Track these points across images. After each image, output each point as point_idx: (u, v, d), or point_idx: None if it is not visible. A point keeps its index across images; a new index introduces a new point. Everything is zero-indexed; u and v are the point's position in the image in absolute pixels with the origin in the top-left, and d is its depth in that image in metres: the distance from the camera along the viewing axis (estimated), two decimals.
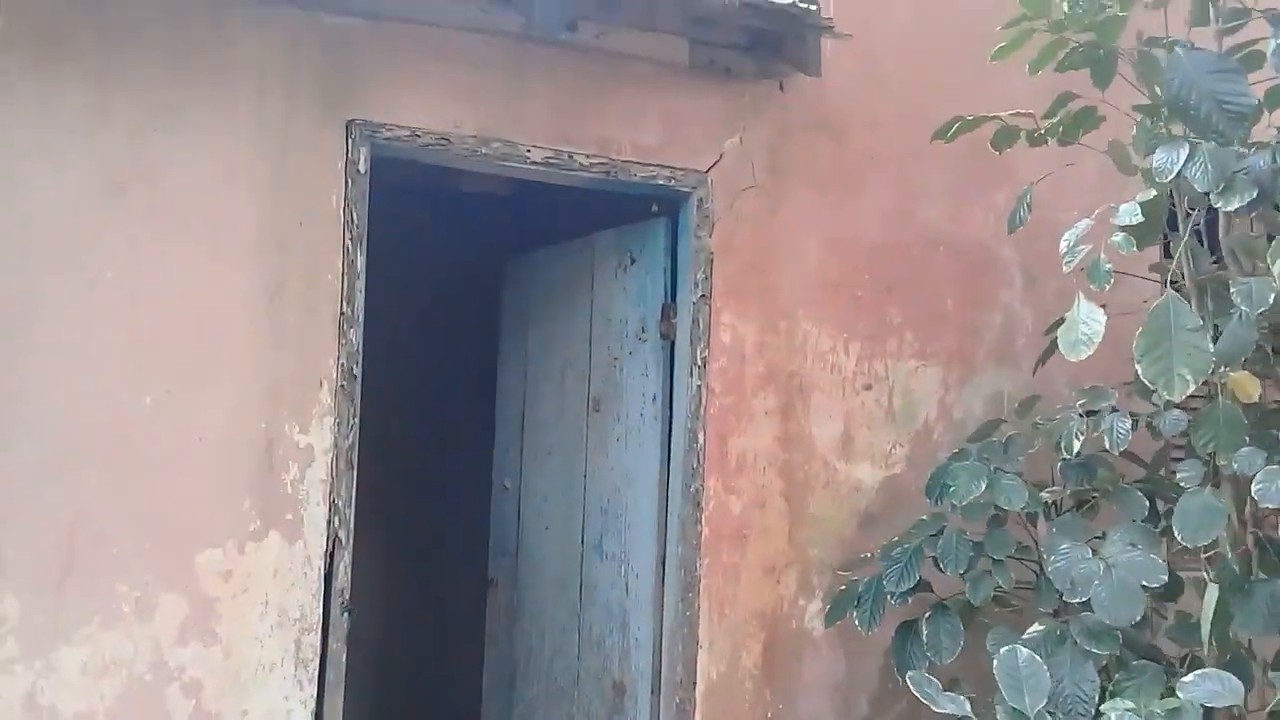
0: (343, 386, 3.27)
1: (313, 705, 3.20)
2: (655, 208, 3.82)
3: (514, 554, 4.47)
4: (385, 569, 5.05)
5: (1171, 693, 2.57)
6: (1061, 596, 2.93)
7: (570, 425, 4.23)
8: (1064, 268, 2.93)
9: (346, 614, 3.25)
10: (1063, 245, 2.93)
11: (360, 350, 3.32)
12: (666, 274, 3.82)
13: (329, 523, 3.24)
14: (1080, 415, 3.24)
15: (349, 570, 3.28)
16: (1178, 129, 2.89)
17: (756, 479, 3.76)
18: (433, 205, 4.99)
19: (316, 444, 3.24)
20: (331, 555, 3.24)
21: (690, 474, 3.70)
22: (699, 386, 3.72)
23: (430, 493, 5.49)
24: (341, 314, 3.27)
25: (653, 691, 3.78)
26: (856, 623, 3.27)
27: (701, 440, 3.71)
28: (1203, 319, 2.77)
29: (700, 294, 3.71)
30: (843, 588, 3.39)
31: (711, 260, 3.72)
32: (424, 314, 5.39)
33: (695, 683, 3.68)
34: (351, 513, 3.29)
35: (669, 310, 3.81)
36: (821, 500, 3.83)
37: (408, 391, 5.27)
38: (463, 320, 5.32)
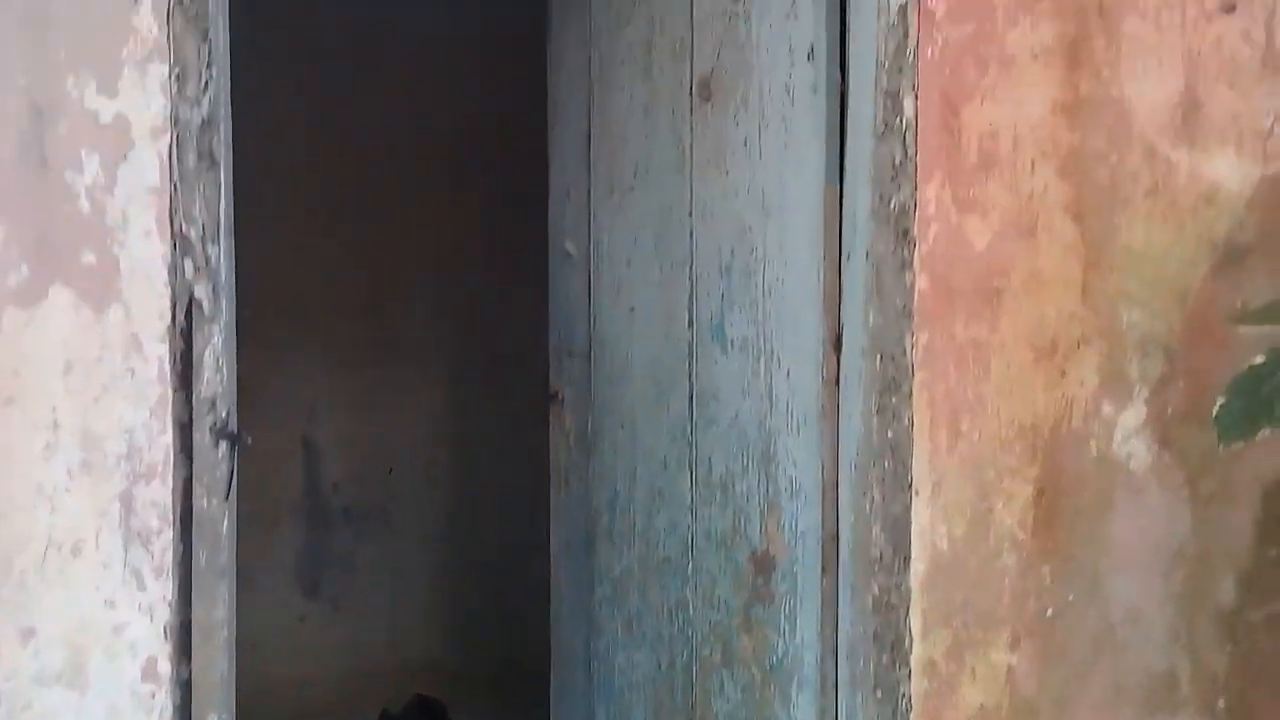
0: None
1: (168, 612, 1.68)
2: None
3: (585, 354, 2.80)
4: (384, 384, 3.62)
5: None
6: None
7: (663, 135, 2.49)
8: None
9: (227, 443, 1.69)
10: None
11: None
12: None
13: (174, 271, 1.67)
14: None
15: (228, 362, 1.71)
16: None
17: (1019, 183, 1.99)
18: None
19: (134, 115, 1.65)
20: (187, 333, 1.68)
21: (888, 177, 1.96)
22: (901, 8, 1.94)
23: (445, 262, 3.90)
24: None
25: (824, 570, 2.15)
26: None
27: (910, 111, 1.95)
28: None
29: None
30: (1250, 365, 1.58)
31: None
32: None
33: (908, 557, 2.01)
34: (222, 252, 1.69)
35: None
36: (1144, 221, 2.03)
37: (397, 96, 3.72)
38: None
